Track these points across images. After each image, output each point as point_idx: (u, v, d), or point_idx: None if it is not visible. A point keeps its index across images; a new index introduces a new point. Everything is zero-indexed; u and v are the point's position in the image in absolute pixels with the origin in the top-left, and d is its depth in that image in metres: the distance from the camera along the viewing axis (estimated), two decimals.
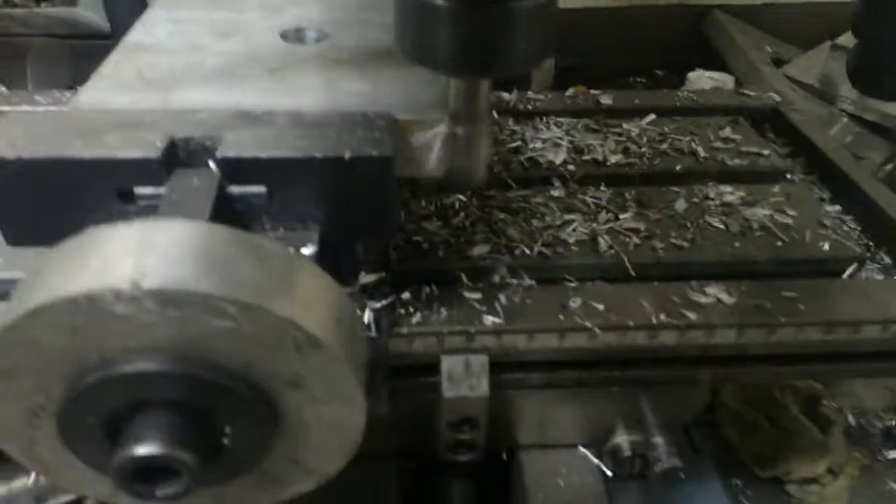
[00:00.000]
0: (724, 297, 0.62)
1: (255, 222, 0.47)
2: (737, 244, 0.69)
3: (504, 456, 0.69)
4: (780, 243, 0.70)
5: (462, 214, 0.73)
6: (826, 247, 0.69)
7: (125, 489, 0.36)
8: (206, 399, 0.36)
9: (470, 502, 0.68)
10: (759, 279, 0.65)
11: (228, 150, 0.44)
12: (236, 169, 0.45)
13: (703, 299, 0.62)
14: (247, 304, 0.33)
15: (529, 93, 0.99)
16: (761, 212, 0.74)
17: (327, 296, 0.38)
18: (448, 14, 0.44)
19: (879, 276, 0.71)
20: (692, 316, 0.60)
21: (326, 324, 0.37)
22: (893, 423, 1.03)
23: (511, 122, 0.92)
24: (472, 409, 0.60)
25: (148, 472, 0.35)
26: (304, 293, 0.36)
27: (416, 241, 0.69)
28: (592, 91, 1.00)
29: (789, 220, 0.73)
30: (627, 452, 0.66)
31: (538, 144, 0.86)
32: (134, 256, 0.33)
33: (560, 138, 0.87)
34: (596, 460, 0.67)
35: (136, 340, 0.34)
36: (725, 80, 1.54)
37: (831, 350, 0.63)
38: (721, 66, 1.81)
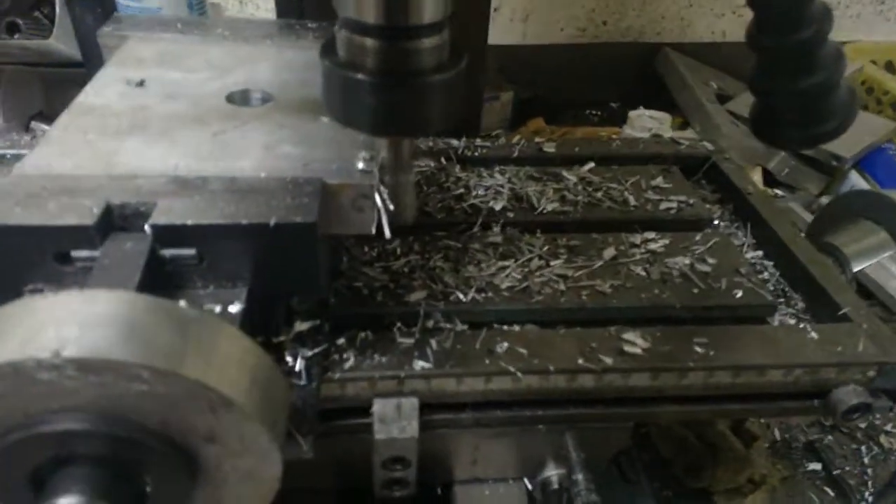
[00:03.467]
0: (640, 343, 0.66)
1: (188, 281, 0.50)
2: (656, 291, 0.74)
3: (439, 490, 0.72)
4: (696, 290, 0.75)
5: (403, 260, 0.77)
6: (739, 294, 0.74)
7: None
8: (125, 454, 0.39)
9: None
10: (675, 325, 0.70)
11: (160, 217, 0.48)
12: (167, 234, 0.48)
13: (621, 345, 0.67)
14: (159, 370, 0.36)
15: (477, 140, 1.04)
16: (682, 260, 0.79)
17: (244, 357, 0.42)
18: (370, 87, 0.48)
19: (792, 321, 0.77)
20: (609, 361, 0.64)
21: (240, 384, 0.40)
22: (815, 437, 1.09)
23: (458, 168, 0.97)
24: (402, 449, 0.63)
25: None
26: (218, 356, 0.40)
27: (356, 286, 0.72)
28: (536, 139, 1.05)
29: (708, 269, 0.78)
30: (555, 486, 0.69)
31: (481, 191, 0.91)
32: (56, 326, 0.36)
33: (501, 186, 0.92)
34: (525, 489, 0.70)
35: (59, 402, 0.37)
36: (663, 119, 1.62)
37: (740, 392, 0.68)
38: (670, 101, 1.90)
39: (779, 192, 1.74)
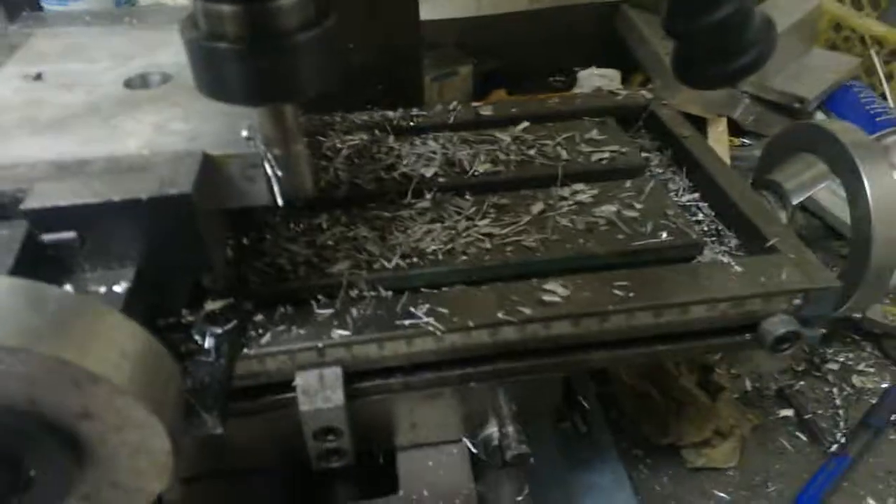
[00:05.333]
0: (560, 291, 0.66)
1: (74, 266, 0.50)
2: (581, 241, 0.74)
3: (381, 459, 0.72)
4: (621, 236, 0.74)
5: (328, 234, 0.77)
6: (664, 235, 0.74)
7: None
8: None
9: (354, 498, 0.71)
10: (600, 272, 0.70)
11: (33, 201, 0.48)
12: (43, 218, 0.48)
13: (542, 296, 0.66)
14: (10, 348, 0.36)
15: (414, 109, 1.03)
16: (609, 208, 0.78)
17: (112, 332, 0.41)
18: (231, 55, 0.47)
19: (725, 259, 0.76)
20: (528, 311, 0.64)
21: (106, 358, 0.40)
22: (786, 384, 1.09)
23: (391, 139, 0.96)
24: (331, 420, 0.63)
25: None
26: (80, 332, 0.39)
27: (279, 263, 0.72)
28: (473, 104, 1.04)
29: (635, 214, 0.77)
30: (496, 442, 0.70)
31: (412, 159, 0.90)
32: None
33: (434, 152, 0.91)
34: (466, 445, 0.71)
35: None
36: (613, 77, 1.60)
37: (667, 331, 0.68)
38: (631, 60, 1.87)
39: (746, 140, 1.73)
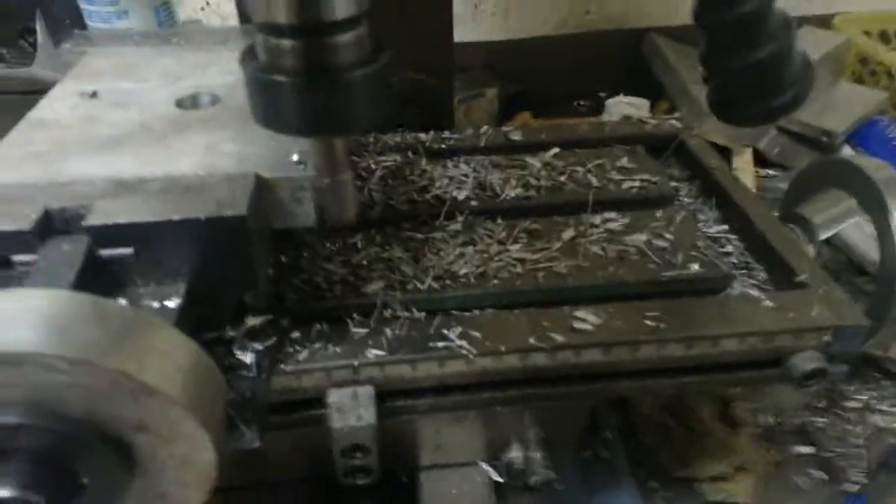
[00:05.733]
0: (592, 319, 0.67)
1: (128, 280, 0.52)
2: (612, 269, 0.75)
3: (404, 478, 0.73)
4: (652, 266, 0.75)
5: (363, 253, 0.78)
6: (695, 267, 0.75)
7: None
8: (56, 445, 0.41)
9: None
10: (630, 301, 0.71)
11: (95, 218, 0.50)
12: (103, 234, 0.50)
13: (574, 323, 0.67)
14: (74, 360, 0.38)
15: (445, 132, 1.05)
16: (640, 237, 0.79)
17: (168, 347, 0.43)
18: (291, 88, 0.49)
19: (753, 292, 0.76)
20: (559, 338, 0.65)
21: (163, 372, 0.41)
22: (807, 420, 1.08)
23: (424, 161, 0.98)
24: (361, 437, 0.64)
25: None
26: (139, 346, 0.41)
27: (315, 281, 0.74)
28: (503, 128, 1.06)
29: (665, 244, 0.78)
30: (520, 466, 0.70)
31: (445, 182, 0.92)
32: None
33: (466, 175, 0.93)
34: (489, 471, 0.71)
35: None
36: (641, 105, 1.61)
37: (696, 363, 0.68)
38: (659, 87, 1.89)
39: (770, 171, 1.73)
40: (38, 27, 1.47)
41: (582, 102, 2.06)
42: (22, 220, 0.49)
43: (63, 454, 0.41)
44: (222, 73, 0.76)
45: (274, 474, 0.72)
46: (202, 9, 1.77)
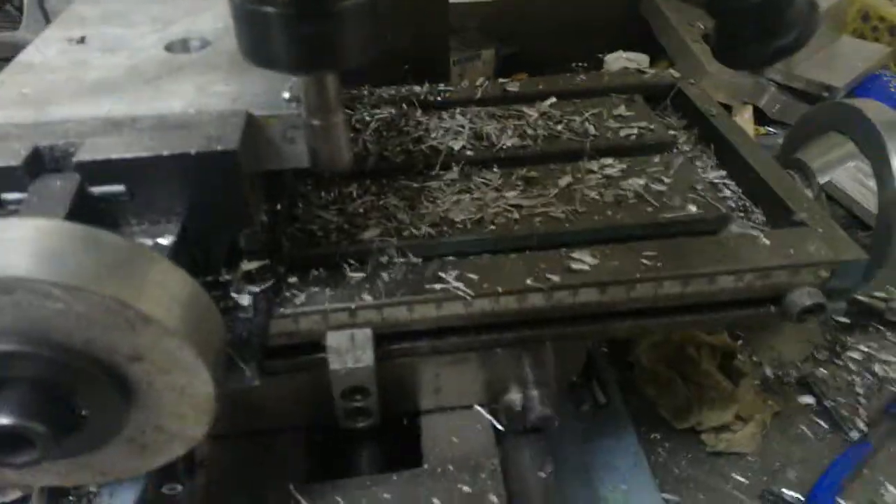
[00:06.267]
0: (588, 260, 0.67)
1: (121, 219, 0.52)
2: (609, 213, 0.74)
3: (405, 421, 0.74)
4: (650, 209, 0.75)
5: (359, 202, 0.78)
6: (693, 209, 0.74)
7: None
8: (53, 374, 0.41)
9: (378, 465, 0.72)
10: (628, 243, 0.70)
11: (85, 154, 0.49)
12: (94, 171, 0.49)
13: (571, 264, 0.67)
14: (69, 286, 0.38)
15: (441, 85, 1.04)
16: (637, 181, 0.79)
17: (163, 278, 0.43)
18: (279, 20, 0.48)
19: (753, 232, 0.76)
20: (556, 279, 0.65)
21: (159, 301, 0.41)
22: (808, 371, 1.09)
23: (419, 113, 0.97)
24: (360, 379, 0.64)
25: (5, 443, 0.40)
26: (135, 276, 0.41)
27: (311, 229, 0.73)
28: (500, 80, 1.05)
29: (663, 188, 0.78)
30: (518, 408, 0.71)
31: (440, 133, 0.91)
32: None
33: (461, 126, 0.92)
34: (488, 417, 0.72)
35: None
36: (641, 61, 1.59)
37: (693, 302, 0.68)
38: (658, 47, 1.86)
39: (771, 129, 1.71)
40: None
41: (580, 64, 2.03)
42: (11, 156, 0.49)
43: (61, 384, 0.42)
44: (214, 18, 0.74)
45: (276, 421, 0.73)
46: None
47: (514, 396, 0.71)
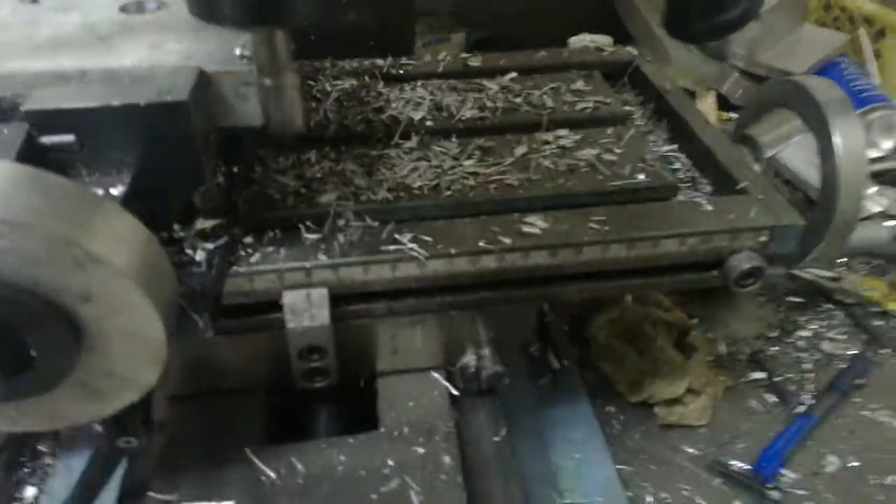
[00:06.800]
0: (539, 224, 0.69)
1: (72, 170, 0.52)
2: (562, 181, 0.76)
3: (362, 383, 0.75)
4: (600, 177, 0.77)
5: (317, 167, 0.79)
6: (642, 178, 0.77)
7: None
8: (2, 313, 0.42)
9: (335, 428, 0.74)
10: (578, 209, 0.73)
11: (33, 103, 0.50)
12: (43, 120, 0.50)
13: (523, 227, 0.69)
14: (15, 223, 0.38)
15: (403, 58, 1.05)
16: (590, 151, 0.81)
17: (112, 220, 0.44)
18: None
19: (699, 200, 0.79)
20: (508, 241, 0.67)
21: (107, 242, 0.42)
22: (759, 349, 1.13)
23: (381, 85, 0.97)
24: (317, 338, 0.66)
25: None
26: (82, 216, 0.42)
27: (268, 193, 0.74)
28: (462, 55, 1.06)
29: (614, 158, 0.80)
30: (472, 369, 0.73)
31: (401, 104, 0.92)
32: None
33: (422, 98, 0.94)
34: (443, 381, 0.74)
35: None
36: (604, 42, 1.61)
37: (639, 265, 0.71)
38: (624, 34, 1.89)
39: (734, 115, 1.75)
40: None
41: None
42: None
43: (10, 323, 0.42)
44: None
45: (235, 383, 0.74)
46: None
47: (469, 358, 0.73)
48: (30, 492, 0.83)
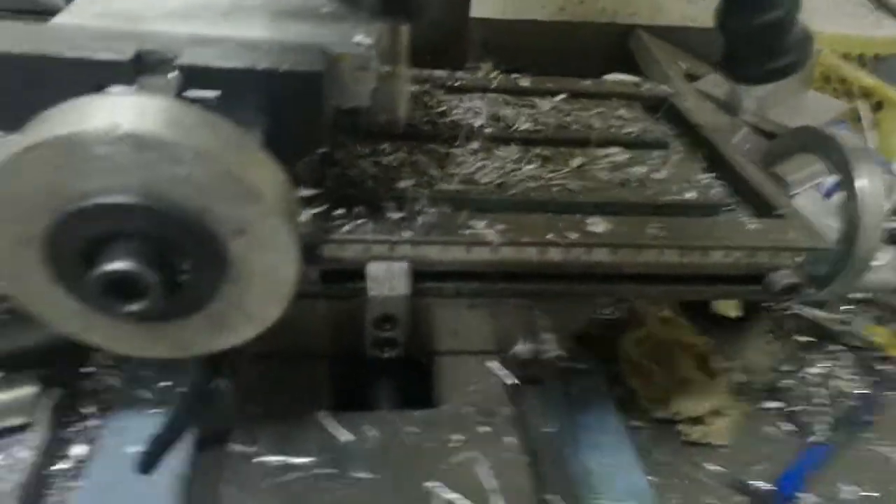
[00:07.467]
0: (602, 225, 0.75)
1: None
2: (616, 191, 0.83)
3: (423, 360, 0.80)
4: (652, 192, 0.84)
5: (392, 157, 0.85)
6: (690, 195, 0.84)
7: (97, 304, 0.45)
8: (168, 233, 0.46)
9: (395, 399, 0.78)
10: (633, 217, 0.79)
11: (186, 59, 0.54)
12: (193, 75, 0.54)
13: (586, 226, 0.75)
14: (200, 153, 0.43)
15: (458, 73, 1.12)
16: (640, 169, 0.88)
17: (268, 165, 0.48)
18: None
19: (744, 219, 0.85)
20: (574, 236, 0.73)
21: (267, 182, 0.47)
22: (775, 380, 1.19)
23: (441, 93, 1.04)
24: (392, 308, 0.70)
25: (118, 290, 0.45)
26: (247, 157, 0.47)
27: (350, 174, 0.79)
28: (513, 74, 1.14)
29: (663, 176, 0.87)
30: (526, 356, 0.78)
31: (461, 111, 0.99)
32: (112, 111, 0.43)
33: (480, 108, 1.01)
34: (502, 370, 0.79)
35: (111, 179, 0.44)
36: (636, 83, 1.71)
37: (688, 272, 0.77)
38: (640, 75, 2.00)
39: None
40: None
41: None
42: (120, 52, 0.53)
43: (173, 245, 0.46)
44: None
45: (304, 346, 0.77)
46: None
47: (524, 347, 0.78)
48: (76, 450, 0.85)
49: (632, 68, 2.05)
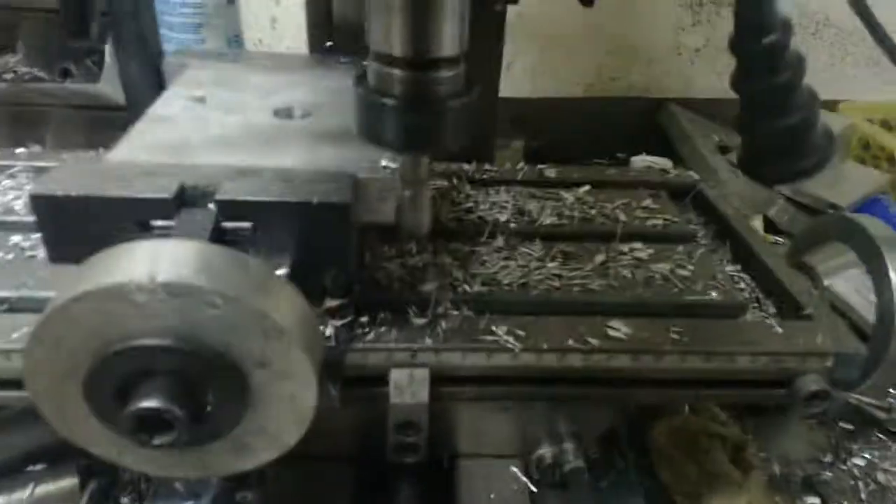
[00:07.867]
0: (623, 329, 0.76)
1: (244, 250, 0.61)
2: (640, 290, 0.84)
3: (445, 464, 0.80)
4: (675, 290, 0.84)
5: (417, 258, 0.88)
6: (714, 294, 0.84)
7: (130, 436, 0.48)
8: (195, 370, 0.49)
9: (415, 501, 0.78)
10: (655, 318, 0.80)
11: (224, 194, 0.59)
12: (229, 209, 0.59)
13: (606, 331, 0.76)
14: (229, 297, 0.47)
15: (486, 165, 1.16)
16: (664, 266, 0.89)
17: (293, 300, 0.52)
18: (393, 110, 0.60)
19: (768, 320, 0.85)
20: (595, 342, 0.74)
21: (290, 318, 0.50)
22: (813, 473, 1.14)
23: (468, 187, 1.08)
24: (414, 414, 0.72)
25: (148, 425, 0.48)
26: (274, 295, 0.50)
27: (377, 277, 0.83)
28: (539, 165, 1.17)
29: (687, 273, 0.88)
30: (549, 461, 0.77)
31: (487, 206, 1.02)
32: (150, 261, 0.47)
33: (506, 202, 1.04)
34: (522, 476, 0.78)
35: (148, 323, 0.48)
36: (664, 165, 1.73)
37: (712, 377, 0.76)
38: (673, 153, 2.02)
39: (779, 239, 1.83)
40: (107, 48, 1.60)
41: (601, 161, 2.19)
42: (164, 189, 0.59)
43: (199, 381, 0.50)
44: (307, 92, 0.87)
45: (327, 449, 0.79)
46: (258, 42, 1.91)
47: (547, 450, 0.78)
48: None
49: (662, 142, 2.08)
